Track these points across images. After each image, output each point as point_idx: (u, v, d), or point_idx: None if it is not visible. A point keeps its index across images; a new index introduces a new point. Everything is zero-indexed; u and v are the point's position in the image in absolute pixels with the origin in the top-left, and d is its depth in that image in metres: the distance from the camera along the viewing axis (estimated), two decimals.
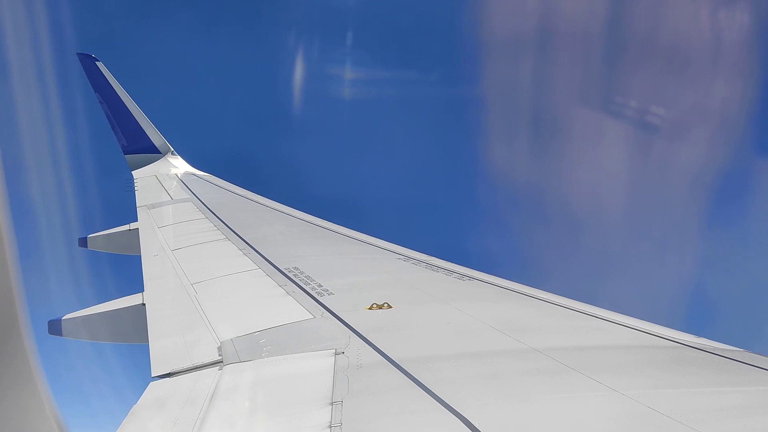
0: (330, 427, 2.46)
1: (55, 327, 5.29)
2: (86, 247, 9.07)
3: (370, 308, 4.06)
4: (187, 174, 13.10)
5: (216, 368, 3.36)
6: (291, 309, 4.24)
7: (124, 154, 14.04)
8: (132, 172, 13.39)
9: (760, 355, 3.07)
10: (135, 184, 11.99)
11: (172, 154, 14.39)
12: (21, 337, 2.34)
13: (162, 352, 3.77)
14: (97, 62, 13.84)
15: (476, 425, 2.32)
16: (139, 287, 5.49)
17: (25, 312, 2.34)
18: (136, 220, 8.99)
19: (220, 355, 3.54)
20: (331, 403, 2.65)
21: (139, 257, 6.67)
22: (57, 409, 2.50)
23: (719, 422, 2.30)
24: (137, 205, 9.94)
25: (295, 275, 5.09)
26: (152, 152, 14.16)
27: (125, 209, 10.04)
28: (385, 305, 4.08)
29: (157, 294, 5.23)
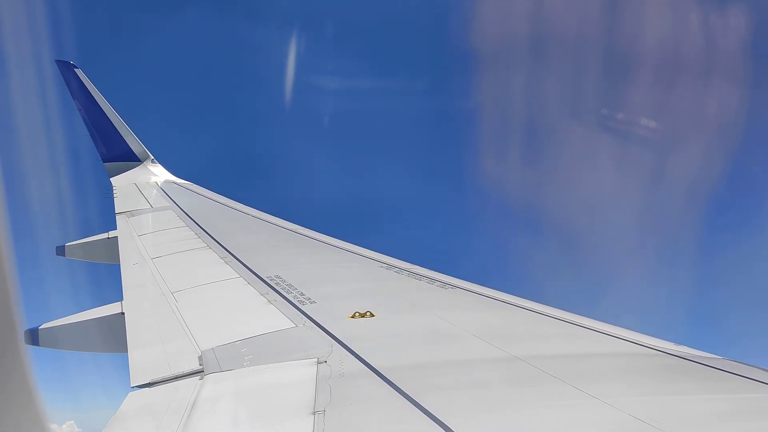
0: None
1: (32, 336, 5.21)
2: (64, 255, 8.94)
3: (352, 317, 4.04)
4: (167, 182, 12.98)
5: (197, 378, 3.32)
6: (273, 318, 4.21)
7: (103, 161, 13.87)
8: (111, 179, 13.23)
9: (740, 362, 3.11)
10: (114, 192, 11.85)
11: (152, 162, 14.23)
12: (18, 348, 2.31)
13: (141, 362, 3.72)
14: (75, 69, 13.68)
15: None
16: (118, 296, 5.42)
17: (22, 321, 2.31)
18: (115, 229, 8.88)
19: (200, 365, 3.50)
20: (314, 413, 2.63)
21: (118, 266, 6.60)
22: (50, 419, 2.46)
23: (700, 429, 2.32)
24: (116, 212, 9.83)
25: (276, 284, 5.06)
26: (131, 160, 14.00)
27: (104, 217, 9.93)
28: (368, 314, 4.07)
29: (137, 303, 5.17)
